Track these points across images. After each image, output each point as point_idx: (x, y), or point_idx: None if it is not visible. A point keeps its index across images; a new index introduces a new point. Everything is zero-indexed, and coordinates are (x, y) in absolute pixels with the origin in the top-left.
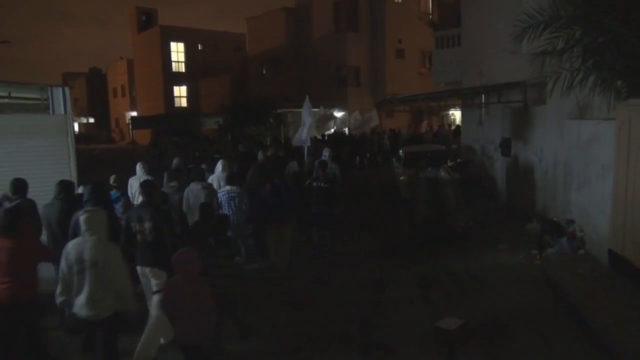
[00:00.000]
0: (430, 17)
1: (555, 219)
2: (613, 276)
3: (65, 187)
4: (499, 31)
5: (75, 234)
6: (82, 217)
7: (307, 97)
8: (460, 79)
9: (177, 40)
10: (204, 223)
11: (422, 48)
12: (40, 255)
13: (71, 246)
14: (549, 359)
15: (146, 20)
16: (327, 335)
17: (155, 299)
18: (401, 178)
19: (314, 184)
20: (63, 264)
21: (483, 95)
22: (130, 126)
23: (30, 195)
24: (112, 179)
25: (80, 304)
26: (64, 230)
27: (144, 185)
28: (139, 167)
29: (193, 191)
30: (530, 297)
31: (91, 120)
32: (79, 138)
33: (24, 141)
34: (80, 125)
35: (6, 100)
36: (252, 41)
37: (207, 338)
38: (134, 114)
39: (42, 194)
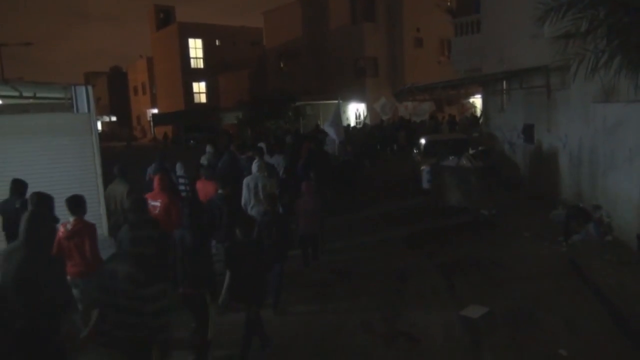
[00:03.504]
0: (449, 4)
1: (581, 205)
2: None
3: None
4: (519, 15)
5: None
6: (255, 164)
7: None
8: (480, 66)
9: (195, 36)
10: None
11: (441, 36)
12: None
13: (249, 179)
14: (576, 346)
15: (164, 17)
16: (351, 324)
17: None
18: (422, 167)
19: (343, 157)
20: (245, 190)
21: (504, 82)
22: (152, 123)
23: (55, 192)
24: (202, 158)
25: (256, 209)
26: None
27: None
28: (208, 147)
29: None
30: (557, 285)
31: (113, 118)
32: (102, 136)
33: (49, 139)
34: (103, 123)
35: (31, 100)
36: (269, 35)
37: (318, 230)
38: (155, 111)
39: (66, 191)
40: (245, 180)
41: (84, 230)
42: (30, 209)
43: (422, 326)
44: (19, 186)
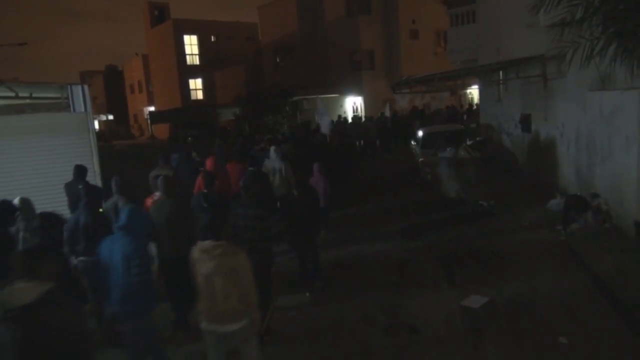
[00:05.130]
0: None
1: (579, 194)
2: None
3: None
4: (514, 4)
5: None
6: (272, 150)
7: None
8: (476, 56)
9: (190, 33)
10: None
11: (437, 27)
12: None
13: (268, 162)
14: (576, 334)
15: (159, 14)
16: (351, 316)
17: None
18: (420, 159)
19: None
20: (268, 167)
21: (501, 72)
22: (149, 121)
23: (55, 191)
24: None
25: (277, 185)
26: None
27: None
28: (217, 141)
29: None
30: (556, 273)
31: (110, 117)
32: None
33: (46, 140)
34: (100, 122)
35: (28, 101)
36: (265, 30)
37: (327, 205)
38: (152, 109)
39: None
40: (265, 164)
41: None
42: (162, 175)
43: (423, 317)
44: (81, 171)
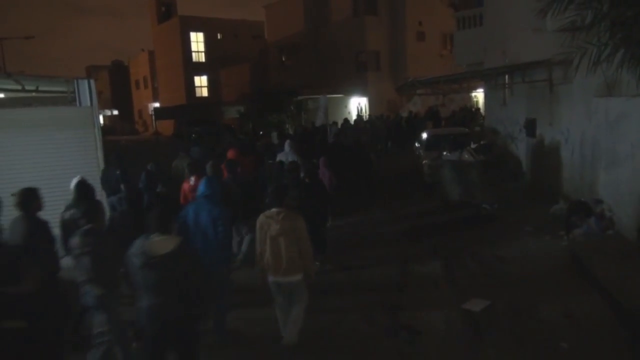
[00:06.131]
0: None
1: (582, 199)
2: None
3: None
4: (521, 9)
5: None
6: (287, 144)
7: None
8: (482, 59)
9: (197, 30)
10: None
11: (443, 30)
12: None
13: (282, 155)
14: (577, 339)
15: (165, 11)
16: (352, 317)
17: None
18: (424, 162)
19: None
20: (283, 160)
21: (507, 76)
22: (154, 117)
23: (60, 185)
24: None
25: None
26: None
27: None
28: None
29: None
30: (558, 278)
31: (115, 112)
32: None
33: (52, 133)
34: (104, 117)
35: (34, 94)
36: (271, 28)
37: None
38: (157, 105)
39: (69, 183)
40: (279, 156)
41: None
42: (210, 167)
43: (424, 319)
44: (118, 159)
